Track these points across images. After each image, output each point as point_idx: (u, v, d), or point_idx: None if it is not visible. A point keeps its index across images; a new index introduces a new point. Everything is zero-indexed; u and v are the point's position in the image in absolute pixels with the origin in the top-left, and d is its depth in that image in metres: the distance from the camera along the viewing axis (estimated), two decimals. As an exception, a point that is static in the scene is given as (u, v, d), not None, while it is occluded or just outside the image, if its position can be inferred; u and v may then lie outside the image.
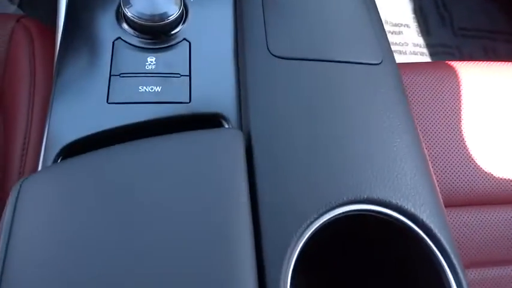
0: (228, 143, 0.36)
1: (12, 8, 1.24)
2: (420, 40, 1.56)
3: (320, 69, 0.42)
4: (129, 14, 0.46)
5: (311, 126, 0.39)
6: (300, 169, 0.36)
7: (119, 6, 0.49)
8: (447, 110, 0.81)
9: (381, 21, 0.50)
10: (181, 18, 0.49)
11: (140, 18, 0.46)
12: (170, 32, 0.48)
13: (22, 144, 0.66)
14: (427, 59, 1.53)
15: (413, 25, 1.59)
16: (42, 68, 0.70)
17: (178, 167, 0.35)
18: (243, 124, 0.43)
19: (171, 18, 0.47)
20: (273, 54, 0.43)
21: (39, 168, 0.39)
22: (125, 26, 0.48)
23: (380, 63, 0.45)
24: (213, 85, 0.46)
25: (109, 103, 0.43)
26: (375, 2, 0.51)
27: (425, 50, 1.54)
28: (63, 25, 0.50)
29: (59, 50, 0.47)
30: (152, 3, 0.47)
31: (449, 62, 0.88)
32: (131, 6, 0.47)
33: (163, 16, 0.47)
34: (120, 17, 0.49)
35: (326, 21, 0.45)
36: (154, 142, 0.36)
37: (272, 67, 0.42)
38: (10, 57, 0.72)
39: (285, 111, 0.40)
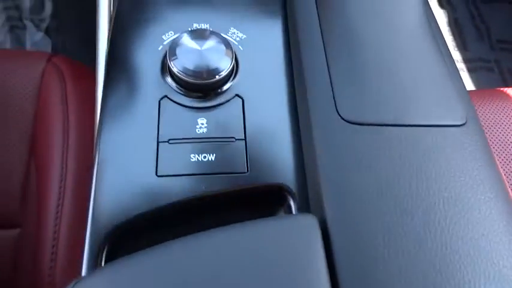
0: (304, 235, 0.31)
1: (39, 35, 1.22)
2: (457, 55, 1.49)
3: (398, 135, 0.37)
4: (175, 70, 0.42)
5: (396, 206, 0.33)
6: (388, 261, 0.30)
7: (164, 57, 0.45)
8: (506, 142, 0.75)
9: (458, 70, 0.44)
10: (233, 71, 0.44)
11: (188, 75, 0.42)
12: (221, 87, 0.44)
13: (57, 193, 0.62)
14: (465, 74, 1.45)
15: (448, 38, 1.52)
16: (75, 113, 0.67)
17: (250, 267, 0.29)
18: (310, 198, 0.37)
19: (223, 74, 0.42)
20: (344, 119, 0.37)
21: (85, 258, 0.35)
22: (170, 81, 0.44)
23: (464, 124, 0.39)
24: (271, 150, 0.41)
25: (158, 176, 0.39)
26: (448, 49, 0.46)
27: (462, 66, 1.47)
28: (104, 81, 0.46)
29: (100, 113, 0.43)
30: (201, 56, 0.42)
31: (505, 90, 0.82)
32: (177, 58, 0.42)
33: (215, 72, 0.42)
34: (166, 70, 0.44)
35: (400, 77, 0.40)
36: (218, 235, 0.32)
37: (344, 134, 0.37)
38: (41, 100, 0.68)
39: (363, 188, 0.34)
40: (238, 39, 0.48)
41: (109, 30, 0.51)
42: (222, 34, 0.47)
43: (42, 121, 0.68)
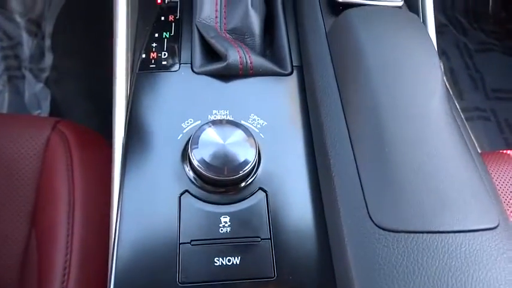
0: None
1: (39, 86, 1.20)
2: (453, 104, 1.50)
3: (435, 243, 0.35)
4: (197, 165, 0.40)
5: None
6: None
7: (185, 149, 0.43)
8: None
9: (483, 164, 0.43)
10: (256, 164, 0.43)
11: (212, 171, 0.40)
12: (245, 182, 0.42)
13: (62, 270, 0.59)
14: (462, 124, 1.46)
15: (444, 88, 1.54)
16: (81, 184, 0.64)
17: None
18: None
19: (247, 169, 0.41)
20: (378, 226, 0.36)
21: None
22: (192, 175, 0.42)
23: (498, 226, 0.38)
24: (298, 250, 0.39)
25: (181, 283, 0.37)
26: (471, 137, 0.45)
27: (459, 115, 1.48)
28: (121, 171, 0.44)
29: (118, 209, 0.41)
30: (224, 151, 0.41)
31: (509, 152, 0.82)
32: (199, 153, 0.41)
33: (239, 168, 0.40)
34: (186, 162, 0.43)
35: (433, 179, 0.39)
36: None
37: (379, 243, 0.35)
38: (45, 169, 0.66)
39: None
40: (259, 126, 0.47)
41: (126, 99, 0.50)
42: (243, 122, 0.46)
43: (46, 191, 0.66)
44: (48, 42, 1.24)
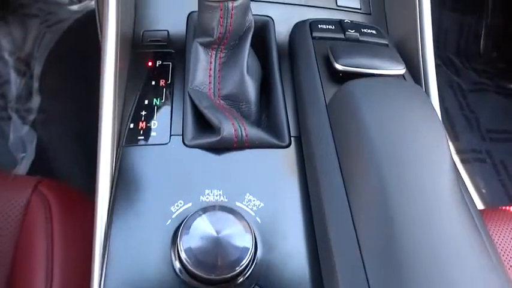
0: None
1: (25, 129, 1.16)
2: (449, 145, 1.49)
3: None
4: (187, 263, 0.36)
5: None
6: None
7: (174, 239, 0.40)
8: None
9: (495, 247, 0.40)
10: (252, 257, 0.39)
11: (203, 270, 0.36)
12: (240, 278, 0.38)
13: None
14: (458, 165, 1.45)
15: (439, 128, 1.53)
16: (60, 248, 0.60)
17: None
18: None
19: (242, 265, 0.37)
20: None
21: None
22: (184, 274, 0.38)
23: None
24: None
25: None
26: (479, 215, 0.42)
27: (455, 157, 1.47)
28: (102, 257, 0.39)
29: None
30: (218, 246, 0.37)
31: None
32: (190, 248, 0.37)
33: (232, 266, 0.37)
34: (176, 255, 0.39)
35: (445, 273, 0.35)
36: None
37: None
38: (24, 232, 0.61)
39: None
40: (255, 208, 0.43)
41: (111, 176, 0.46)
42: (238, 204, 0.43)
43: (23, 254, 0.61)
44: (36, 83, 1.21)
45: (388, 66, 0.51)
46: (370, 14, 0.66)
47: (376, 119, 0.43)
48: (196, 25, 0.55)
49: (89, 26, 0.81)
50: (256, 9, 0.62)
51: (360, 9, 0.66)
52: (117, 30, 0.50)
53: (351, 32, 0.58)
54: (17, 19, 1.34)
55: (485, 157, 1.49)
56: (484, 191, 1.41)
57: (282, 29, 0.61)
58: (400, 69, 0.51)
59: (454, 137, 1.52)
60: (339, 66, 0.50)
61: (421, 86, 0.58)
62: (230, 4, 0.48)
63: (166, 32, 0.58)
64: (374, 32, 0.60)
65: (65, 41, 1.19)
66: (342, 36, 0.58)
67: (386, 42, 0.59)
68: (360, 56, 0.51)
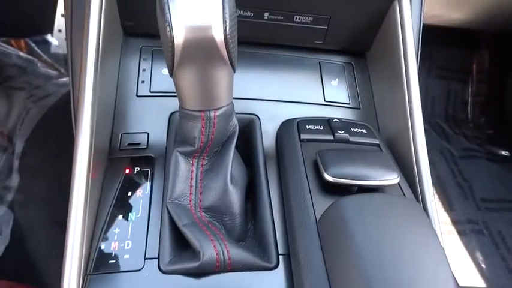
0: None
1: (2, 209, 1.10)
2: (444, 216, 1.45)
3: None
4: None
5: None
6: None
7: None
8: None
9: None
10: None
11: None
12: None
13: None
14: (455, 238, 1.40)
15: (433, 197, 1.50)
16: None
17: None
18: None
19: None
20: None
21: None
22: None
23: None
24: None
25: None
26: None
27: (452, 228, 1.42)
28: None
29: None
30: None
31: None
32: None
33: None
34: None
35: None
36: None
37: None
38: None
39: None
40: None
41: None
42: None
43: None
44: (17, 160, 1.16)
45: (381, 176, 0.48)
46: (359, 108, 0.65)
47: (370, 242, 0.40)
48: (177, 130, 0.52)
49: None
50: (242, 106, 0.60)
51: (349, 104, 0.64)
52: (91, 140, 0.47)
53: (340, 133, 0.55)
54: (3, 91, 1.32)
55: (482, 228, 1.45)
56: (483, 265, 1.35)
57: (268, 127, 0.59)
58: (393, 179, 0.48)
59: (449, 206, 1.49)
60: (329, 178, 0.47)
61: (416, 187, 0.55)
62: (212, 113, 0.46)
63: (146, 135, 0.55)
64: (364, 131, 0.57)
65: (48, 119, 1.16)
66: (331, 137, 0.55)
67: (378, 142, 0.57)
68: (351, 165, 0.48)
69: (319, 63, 0.67)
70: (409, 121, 0.58)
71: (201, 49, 0.40)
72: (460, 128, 1.78)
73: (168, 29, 0.39)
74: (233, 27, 0.40)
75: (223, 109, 0.46)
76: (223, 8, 0.39)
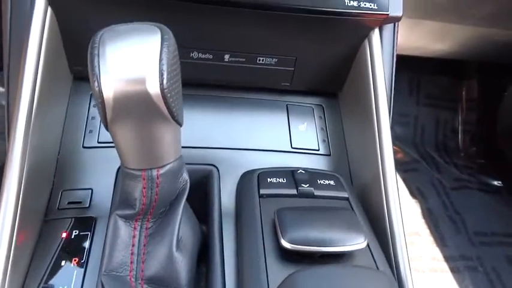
0: None
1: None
2: (436, 251, 1.38)
3: None
4: None
5: None
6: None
7: None
8: None
9: None
10: None
11: None
12: None
13: None
14: (449, 276, 1.33)
15: (424, 232, 1.44)
16: None
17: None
18: None
19: None
20: None
21: None
22: None
23: None
24: None
25: None
26: None
27: (445, 265, 1.35)
28: None
29: None
30: None
31: None
32: None
33: None
34: None
35: None
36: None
37: None
38: None
39: None
40: None
41: None
42: None
43: None
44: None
45: (347, 240, 0.42)
46: (329, 155, 0.60)
47: None
48: (118, 190, 0.47)
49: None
50: (199, 156, 0.55)
51: (318, 150, 0.60)
52: (17, 200, 0.41)
53: (305, 187, 0.50)
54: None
55: (477, 264, 1.38)
56: (480, 306, 1.28)
57: (228, 179, 0.54)
58: (360, 243, 0.43)
59: (441, 241, 1.42)
60: (286, 244, 0.41)
61: (389, 250, 0.50)
62: (155, 172, 0.41)
63: (89, 191, 0.50)
64: (332, 182, 0.52)
65: None
66: (294, 192, 0.50)
67: (347, 196, 0.51)
68: (312, 228, 0.43)
69: (287, 106, 0.62)
70: (380, 169, 0.53)
71: (135, 105, 0.35)
72: (450, 157, 1.73)
73: (96, 84, 0.34)
74: (174, 79, 0.36)
75: (168, 166, 0.41)
76: (161, 59, 0.35)
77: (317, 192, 0.50)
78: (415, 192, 1.56)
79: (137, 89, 0.34)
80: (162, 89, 0.34)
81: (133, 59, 0.35)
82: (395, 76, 0.62)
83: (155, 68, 0.34)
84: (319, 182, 0.51)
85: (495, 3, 1.04)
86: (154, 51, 0.35)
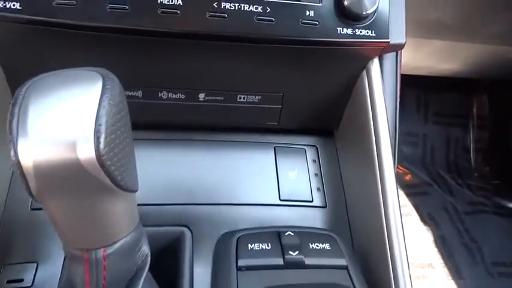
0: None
1: None
2: (452, 285, 1.28)
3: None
4: None
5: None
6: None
7: None
8: None
9: None
10: None
11: None
12: None
13: None
14: (466, 312, 1.22)
15: (438, 263, 1.33)
16: None
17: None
18: None
19: None
20: None
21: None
22: None
23: None
24: None
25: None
26: None
27: (461, 302, 1.25)
28: None
29: None
30: None
31: None
32: None
33: None
34: None
35: None
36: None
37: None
38: None
39: None
40: None
41: None
42: None
43: None
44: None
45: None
46: (325, 207, 0.51)
47: None
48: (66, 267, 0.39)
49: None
50: (169, 215, 0.46)
51: (312, 201, 0.51)
52: None
53: (293, 255, 0.41)
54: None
55: (496, 301, 1.27)
56: None
57: (203, 243, 0.45)
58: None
59: (456, 273, 1.31)
60: None
61: None
62: (100, 252, 0.33)
63: (34, 266, 0.41)
64: (327, 246, 0.43)
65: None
66: (280, 261, 0.41)
67: (345, 264, 0.42)
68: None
69: (274, 148, 0.54)
70: (383, 223, 0.44)
71: (65, 175, 0.27)
72: (463, 178, 1.63)
73: (12, 152, 0.27)
74: (118, 139, 0.28)
75: (118, 244, 0.33)
76: (98, 117, 0.27)
77: (308, 261, 0.41)
78: (427, 218, 1.46)
79: (65, 157, 0.27)
80: (98, 156, 0.26)
81: (61, 118, 0.27)
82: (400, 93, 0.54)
83: (89, 128, 0.27)
84: (311, 246, 0.43)
85: (504, 22, 0.96)
86: (89, 107, 0.27)
